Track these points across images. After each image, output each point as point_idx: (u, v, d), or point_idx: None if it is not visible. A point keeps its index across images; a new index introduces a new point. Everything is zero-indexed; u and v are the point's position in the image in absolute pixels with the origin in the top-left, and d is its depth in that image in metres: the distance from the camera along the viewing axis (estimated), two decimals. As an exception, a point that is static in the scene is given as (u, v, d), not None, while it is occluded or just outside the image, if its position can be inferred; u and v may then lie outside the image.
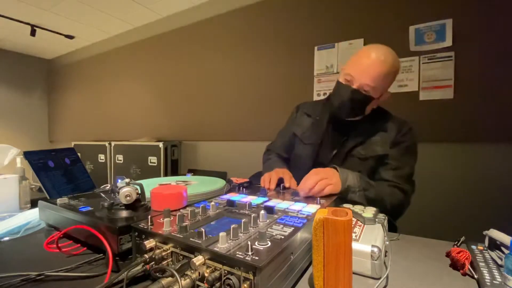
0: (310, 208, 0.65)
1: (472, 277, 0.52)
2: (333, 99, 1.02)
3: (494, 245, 0.60)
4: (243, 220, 0.50)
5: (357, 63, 0.94)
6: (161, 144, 2.80)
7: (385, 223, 0.67)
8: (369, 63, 0.91)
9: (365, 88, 0.92)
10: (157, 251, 0.47)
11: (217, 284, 0.41)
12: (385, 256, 0.56)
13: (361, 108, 0.98)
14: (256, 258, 0.39)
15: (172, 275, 0.41)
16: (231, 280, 0.39)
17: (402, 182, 0.94)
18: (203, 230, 0.46)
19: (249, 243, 0.41)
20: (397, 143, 0.97)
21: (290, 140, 1.19)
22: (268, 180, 0.94)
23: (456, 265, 0.56)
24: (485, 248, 0.62)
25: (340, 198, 0.83)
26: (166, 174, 2.80)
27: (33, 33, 3.32)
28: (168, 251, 0.47)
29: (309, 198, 0.77)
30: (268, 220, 0.55)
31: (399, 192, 0.93)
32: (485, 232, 0.63)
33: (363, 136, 1.00)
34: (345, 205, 0.75)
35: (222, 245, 0.43)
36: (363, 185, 0.87)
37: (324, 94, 2.17)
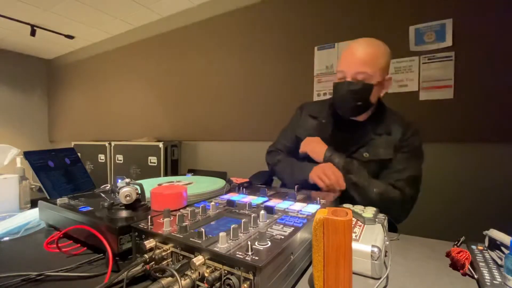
0: (310, 208, 0.65)
1: (472, 277, 0.52)
2: (335, 101, 1.02)
3: (494, 245, 0.60)
4: (243, 220, 0.50)
5: (345, 58, 0.96)
6: (161, 144, 2.80)
7: (385, 223, 0.67)
8: (354, 52, 0.93)
9: (359, 77, 0.91)
10: (157, 251, 0.47)
11: (217, 284, 0.41)
12: (385, 256, 0.56)
13: (364, 100, 0.94)
14: (256, 258, 0.39)
15: (172, 275, 0.41)
16: (231, 280, 0.39)
17: (401, 183, 0.92)
18: (203, 230, 0.46)
19: (249, 243, 0.41)
20: (402, 146, 0.96)
21: (293, 141, 1.16)
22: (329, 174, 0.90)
23: (456, 265, 0.56)
24: (485, 248, 0.62)
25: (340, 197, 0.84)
26: (166, 174, 2.80)
27: (33, 33, 3.31)
28: (168, 251, 0.47)
29: (309, 198, 0.76)
30: (268, 220, 0.55)
31: (395, 191, 0.91)
32: (485, 232, 0.63)
33: (366, 137, 0.98)
34: (345, 205, 0.75)
35: (222, 245, 0.43)
36: (347, 166, 0.90)
37: (324, 94, 2.17)
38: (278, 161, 1.16)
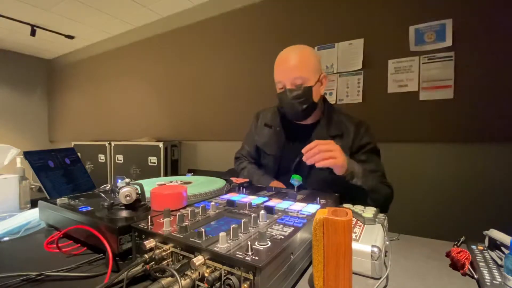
0: (310, 208, 0.65)
1: (472, 277, 0.52)
2: (284, 110, 1.05)
3: (494, 245, 0.60)
4: (243, 220, 0.50)
5: (279, 68, 1.00)
6: (161, 144, 2.80)
7: (385, 223, 0.67)
8: (286, 61, 0.98)
9: (297, 82, 0.96)
10: (157, 251, 0.47)
11: (217, 284, 0.41)
12: (385, 256, 0.56)
13: (308, 102, 0.98)
14: (256, 258, 0.39)
15: (172, 275, 0.41)
16: (231, 280, 0.39)
17: (385, 180, 1.00)
18: (203, 230, 0.46)
19: (249, 243, 0.41)
20: (361, 146, 1.01)
21: (255, 149, 1.23)
22: None
23: (456, 265, 0.56)
24: (485, 248, 0.62)
25: (341, 195, 0.83)
26: (166, 174, 2.80)
27: (33, 33, 3.32)
28: (168, 251, 0.47)
29: (309, 198, 0.76)
30: (268, 220, 0.55)
31: (387, 187, 0.99)
32: (485, 232, 0.63)
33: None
34: (345, 205, 0.75)
35: (222, 245, 0.43)
36: (365, 174, 0.90)
37: (324, 94, 2.17)
38: (242, 169, 1.22)
